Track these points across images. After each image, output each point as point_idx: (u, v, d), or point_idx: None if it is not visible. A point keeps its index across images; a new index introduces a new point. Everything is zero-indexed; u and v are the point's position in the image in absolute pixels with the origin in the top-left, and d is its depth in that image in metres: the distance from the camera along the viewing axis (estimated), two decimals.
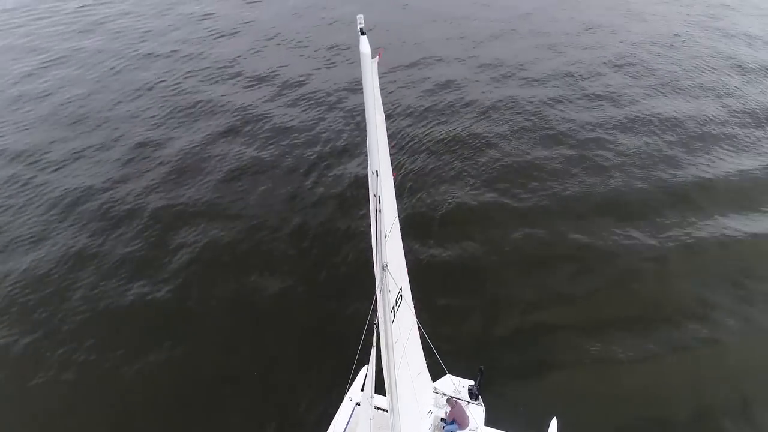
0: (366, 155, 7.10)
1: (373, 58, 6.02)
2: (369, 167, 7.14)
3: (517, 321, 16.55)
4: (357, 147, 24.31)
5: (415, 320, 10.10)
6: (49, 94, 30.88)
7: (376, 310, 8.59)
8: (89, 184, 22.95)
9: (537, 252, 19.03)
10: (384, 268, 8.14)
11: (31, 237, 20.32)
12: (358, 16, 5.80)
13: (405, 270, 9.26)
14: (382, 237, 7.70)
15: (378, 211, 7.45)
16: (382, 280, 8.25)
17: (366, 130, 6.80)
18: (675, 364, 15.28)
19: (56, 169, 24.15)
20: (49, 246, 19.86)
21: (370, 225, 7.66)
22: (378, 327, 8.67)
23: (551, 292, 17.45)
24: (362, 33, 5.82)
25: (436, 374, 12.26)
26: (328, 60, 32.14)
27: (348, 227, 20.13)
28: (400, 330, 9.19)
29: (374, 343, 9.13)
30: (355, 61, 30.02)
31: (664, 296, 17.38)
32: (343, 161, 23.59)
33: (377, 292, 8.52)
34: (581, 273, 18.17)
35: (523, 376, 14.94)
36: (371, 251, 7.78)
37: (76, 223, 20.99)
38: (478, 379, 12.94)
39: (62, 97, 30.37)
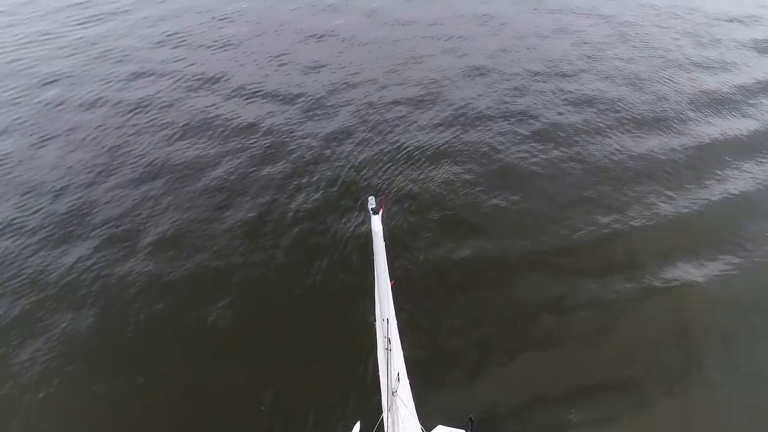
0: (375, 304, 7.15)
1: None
2: (378, 315, 7.20)
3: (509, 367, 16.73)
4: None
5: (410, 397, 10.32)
6: None
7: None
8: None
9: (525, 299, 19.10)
10: (393, 393, 8.26)
11: None
12: (369, 197, 5.83)
13: (401, 354, 9.40)
14: (393, 372, 7.80)
15: (388, 350, 7.51)
16: (390, 404, 8.41)
17: (375, 281, 6.84)
18: None
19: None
20: None
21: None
22: None
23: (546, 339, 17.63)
24: (374, 213, 5.88)
25: (428, 427, 12.43)
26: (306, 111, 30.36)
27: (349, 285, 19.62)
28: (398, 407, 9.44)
29: None
30: (337, 114, 29.18)
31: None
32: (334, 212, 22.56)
33: (385, 411, 8.71)
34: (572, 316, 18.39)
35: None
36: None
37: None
38: (469, 429, 13.18)
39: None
